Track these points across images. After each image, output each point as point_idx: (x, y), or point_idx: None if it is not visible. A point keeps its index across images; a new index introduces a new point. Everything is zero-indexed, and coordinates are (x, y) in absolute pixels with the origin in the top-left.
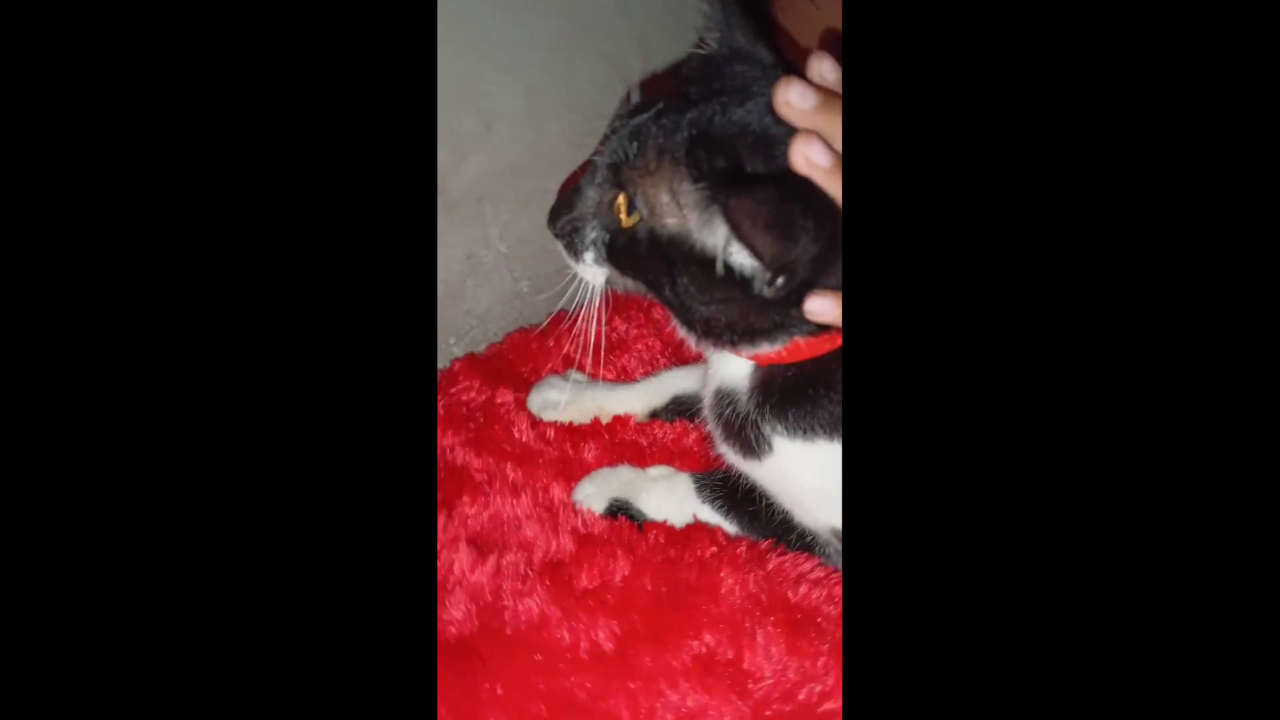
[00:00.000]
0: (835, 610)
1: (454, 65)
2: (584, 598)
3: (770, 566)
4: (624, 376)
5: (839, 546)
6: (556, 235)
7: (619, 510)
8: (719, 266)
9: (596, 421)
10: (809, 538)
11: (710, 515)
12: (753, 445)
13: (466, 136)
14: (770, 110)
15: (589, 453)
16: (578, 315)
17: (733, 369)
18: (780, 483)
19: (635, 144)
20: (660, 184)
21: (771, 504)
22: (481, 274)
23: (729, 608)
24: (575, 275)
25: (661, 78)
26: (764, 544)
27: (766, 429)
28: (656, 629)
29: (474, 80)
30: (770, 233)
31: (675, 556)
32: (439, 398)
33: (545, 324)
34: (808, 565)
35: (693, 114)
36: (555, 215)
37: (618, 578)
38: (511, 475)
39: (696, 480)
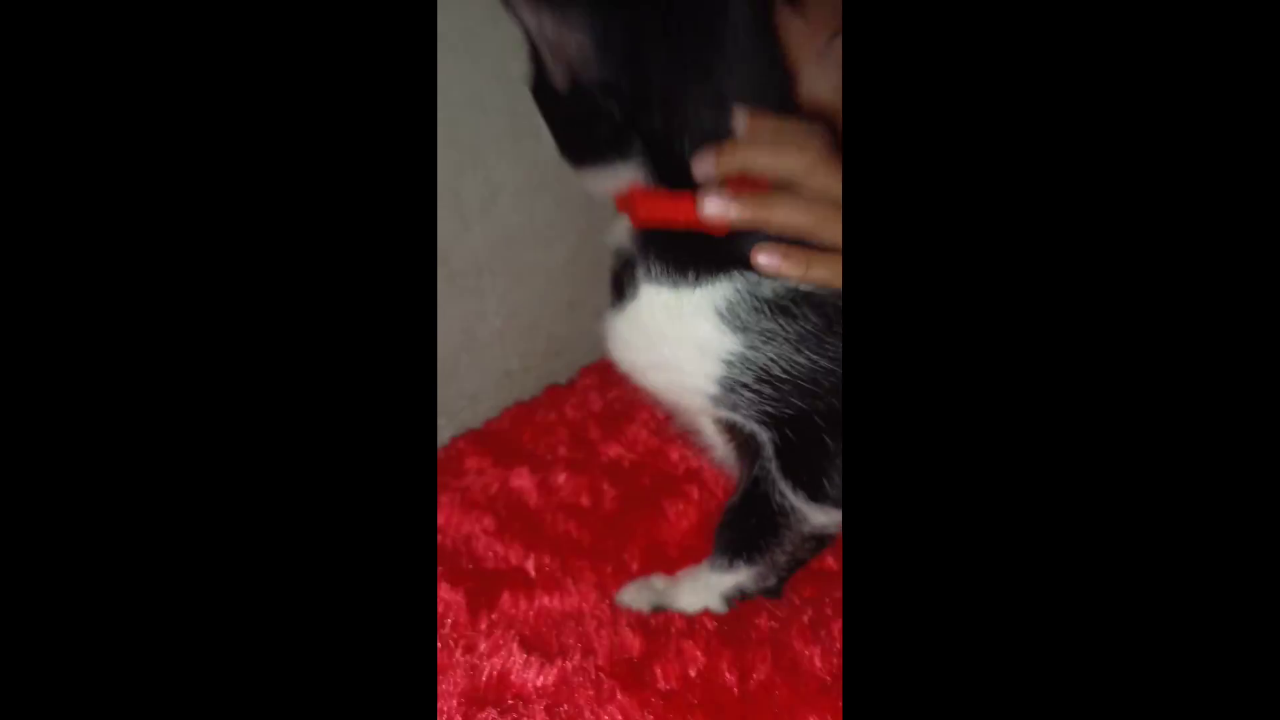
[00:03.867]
0: None
1: (464, 133)
2: (673, 699)
3: (839, 626)
4: (635, 447)
5: (726, 418)
6: None
7: (661, 610)
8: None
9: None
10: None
11: (729, 579)
12: (624, 291)
13: (473, 205)
14: None
15: (631, 547)
16: None
17: (623, 227)
18: (639, 337)
19: None
20: None
21: (762, 496)
22: (475, 350)
23: (818, 684)
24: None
25: None
26: (824, 596)
27: (640, 273)
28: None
29: (483, 148)
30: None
31: (740, 634)
32: (450, 481)
33: (543, 393)
34: None
35: None
36: None
37: (693, 672)
38: (550, 566)
39: (709, 560)
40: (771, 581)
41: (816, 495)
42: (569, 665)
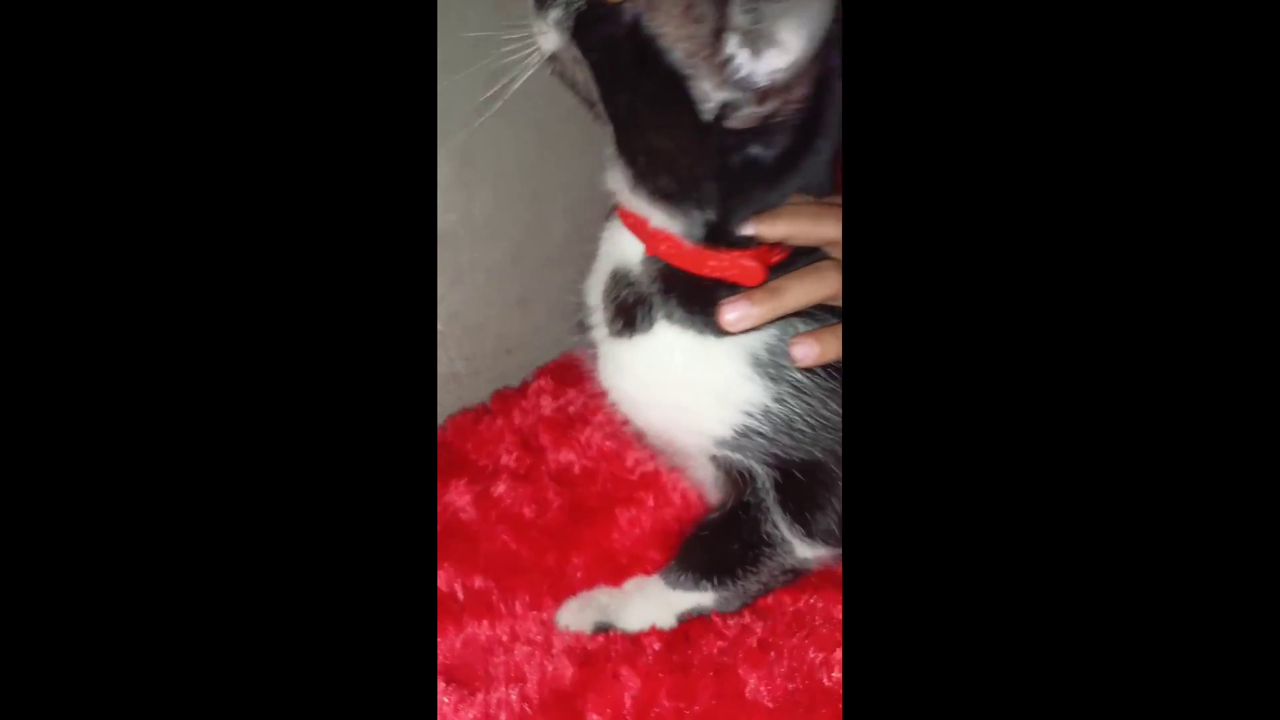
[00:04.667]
0: None
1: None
2: None
3: (790, 648)
4: (588, 452)
5: (724, 455)
6: None
7: (605, 629)
8: (699, 89)
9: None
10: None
11: (692, 598)
12: (636, 322)
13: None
14: None
15: (576, 559)
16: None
17: (629, 251)
18: (643, 374)
19: None
20: None
21: (724, 518)
22: None
23: (764, 712)
24: (528, 45)
25: None
26: (778, 625)
27: (657, 311)
28: None
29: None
30: (805, 29)
31: (682, 661)
32: None
33: (490, 401)
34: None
35: None
36: None
37: (628, 701)
38: (481, 587)
39: (665, 574)
40: (735, 607)
41: (811, 532)
42: (492, 698)
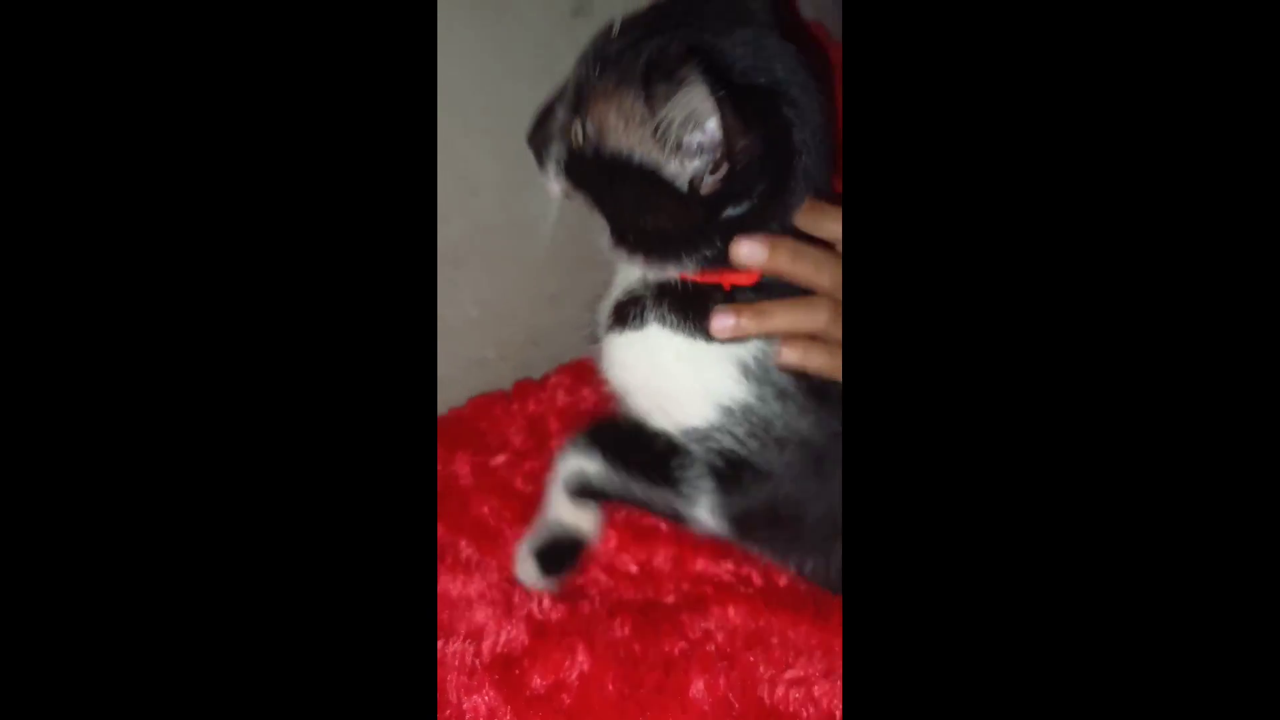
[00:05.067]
0: (814, 712)
1: (443, 130)
2: (537, 700)
3: (742, 662)
4: None
5: (693, 449)
6: (531, 148)
7: (553, 548)
8: (668, 173)
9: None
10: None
11: (579, 461)
12: (629, 319)
13: (451, 199)
14: (739, 44)
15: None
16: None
17: (635, 274)
18: (634, 364)
19: (599, 67)
20: (612, 105)
21: (642, 438)
22: (447, 338)
23: (697, 714)
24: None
25: (644, 14)
26: (739, 634)
27: (650, 313)
28: None
29: (459, 144)
30: (732, 115)
31: (640, 653)
32: None
33: (511, 388)
34: (789, 661)
35: (659, 41)
36: (533, 132)
37: (574, 676)
38: (465, 552)
39: (576, 440)
40: (614, 489)
41: (723, 513)
42: (450, 649)
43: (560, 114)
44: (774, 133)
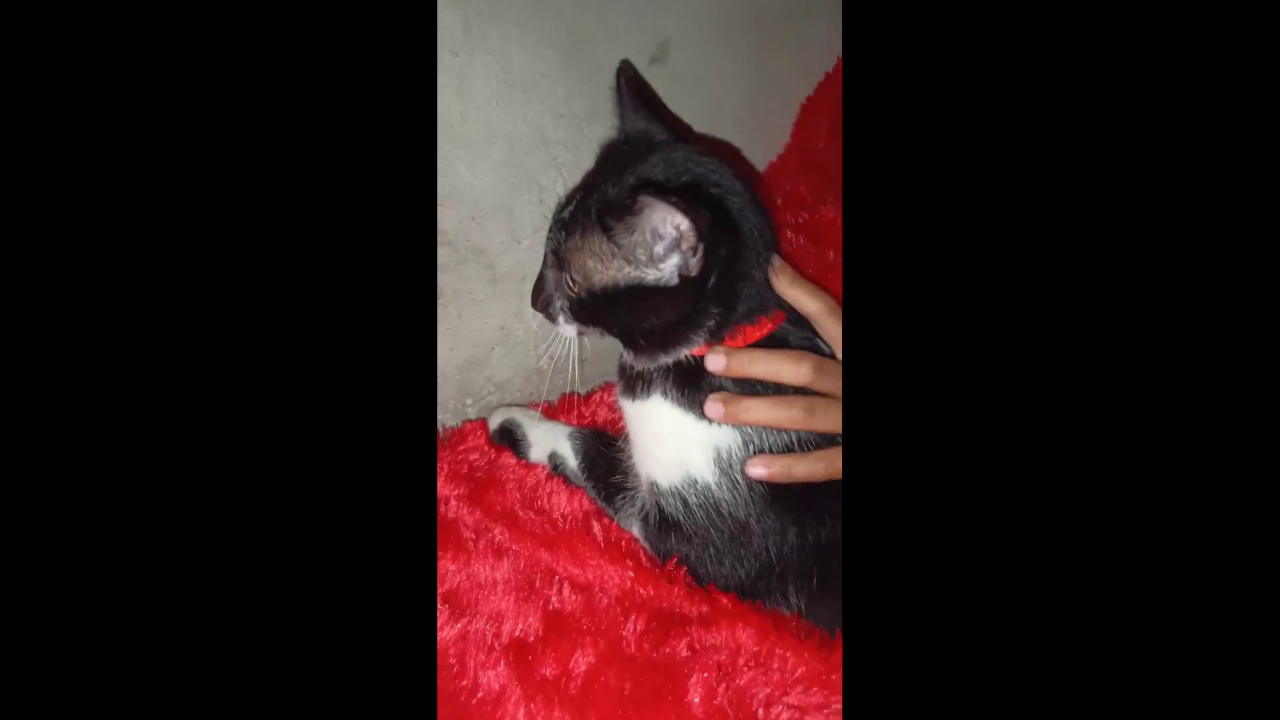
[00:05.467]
0: None
1: (525, 158)
2: (545, 684)
3: (743, 681)
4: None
5: (655, 500)
6: (539, 311)
7: (507, 432)
8: (650, 280)
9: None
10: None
11: (565, 445)
12: (636, 390)
13: (524, 222)
14: (656, 165)
15: (595, 530)
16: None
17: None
18: (639, 426)
19: (563, 231)
20: (585, 254)
21: (613, 465)
22: (509, 346)
23: (691, 719)
24: (558, 337)
25: (581, 182)
26: (740, 652)
27: (655, 387)
28: None
29: (539, 173)
30: (683, 205)
31: (646, 653)
32: (446, 454)
33: (558, 400)
34: (787, 687)
35: (597, 194)
36: (534, 297)
37: (581, 668)
38: (499, 538)
39: (571, 431)
40: (579, 484)
41: (642, 540)
42: (472, 627)
43: (550, 277)
44: (714, 205)
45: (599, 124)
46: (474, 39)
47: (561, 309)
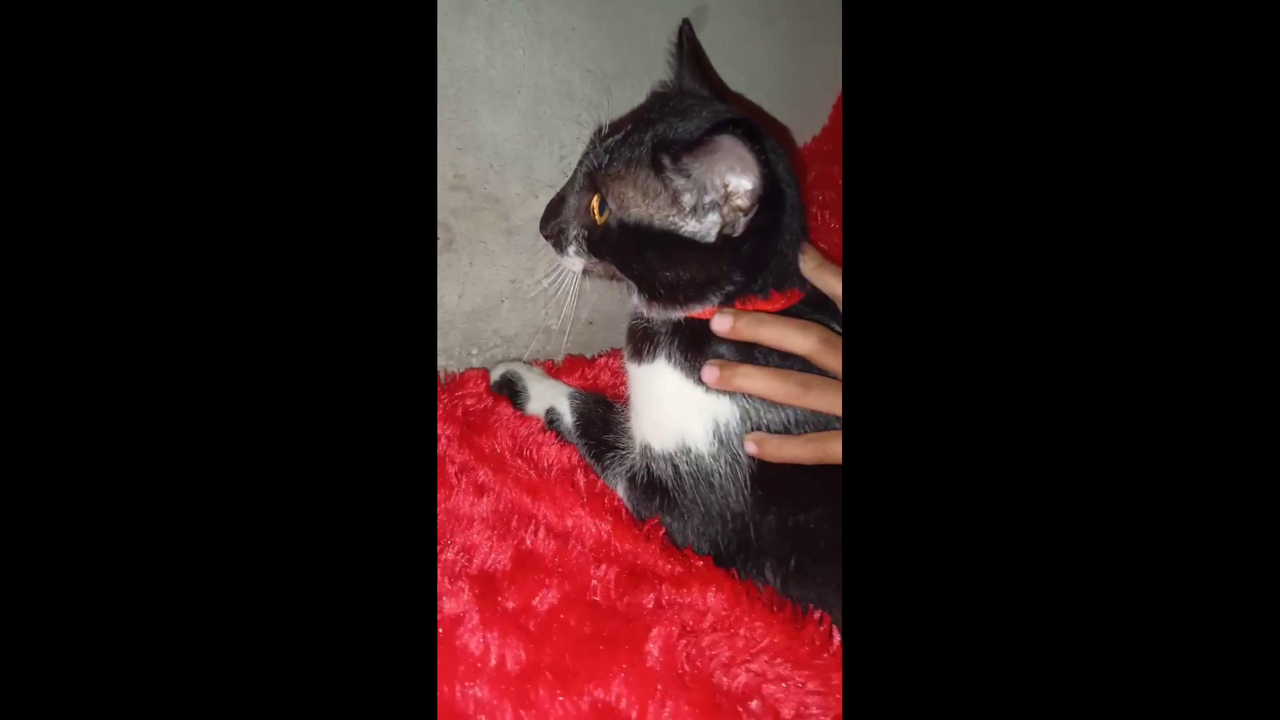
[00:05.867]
0: (760, 707)
1: (545, 111)
2: (504, 616)
3: (706, 641)
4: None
5: (646, 464)
6: (546, 237)
7: (508, 383)
8: (686, 231)
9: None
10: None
11: (564, 403)
12: (643, 353)
13: (543, 176)
14: (705, 121)
15: (580, 481)
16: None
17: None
18: (640, 389)
19: (608, 156)
20: (627, 183)
21: (608, 425)
22: (519, 300)
23: (645, 669)
24: (561, 271)
25: (625, 118)
26: (707, 615)
27: (661, 350)
28: (565, 668)
29: (560, 129)
30: (762, 157)
31: (612, 601)
32: (445, 397)
33: (562, 360)
34: (751, 654)
35: (652, 131)
36: (546, 220)
37: (544, 606)
38: (483, 478)
39: (572, 391)
40: (571, 440)
41: (626, 499)
42: (444, 556)
43: (573, 201)
44: (770, 175)
45: (627, 85)
46: None
47: (576, 238)
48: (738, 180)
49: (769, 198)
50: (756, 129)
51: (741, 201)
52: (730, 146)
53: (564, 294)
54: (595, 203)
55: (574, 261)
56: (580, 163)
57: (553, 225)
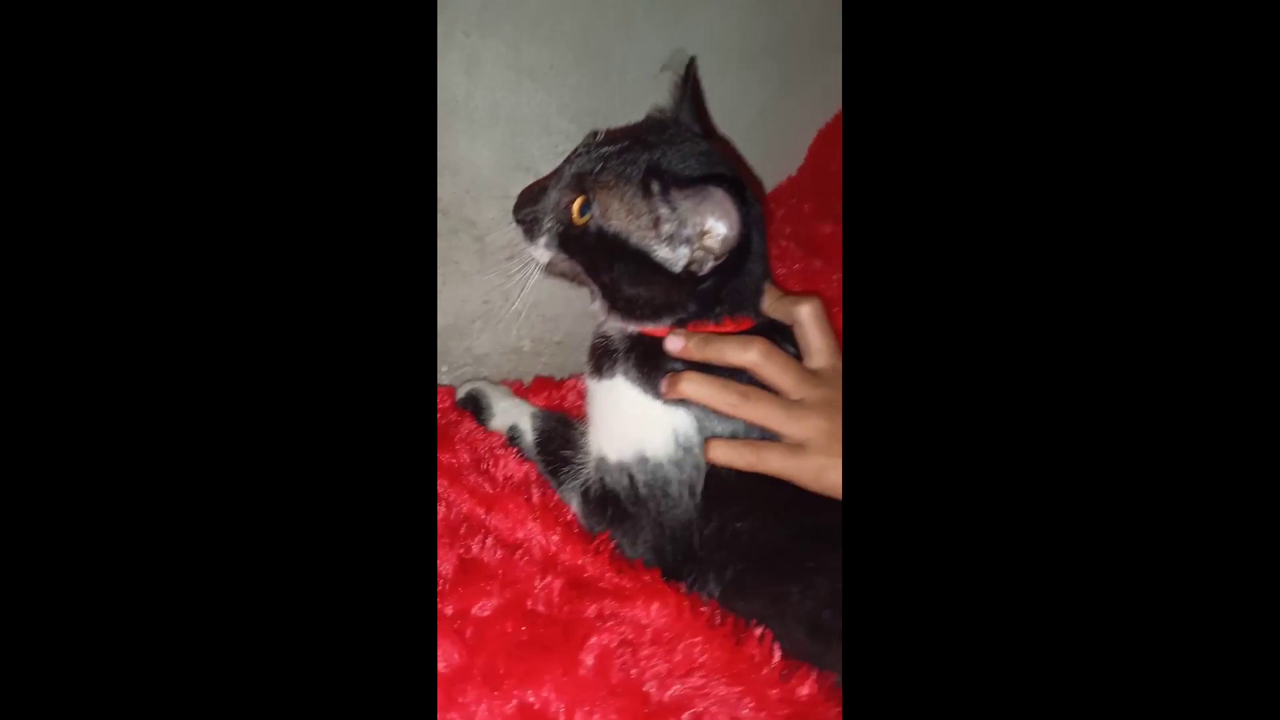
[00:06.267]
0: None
1: (514, 140)
2: (441, 620)
3: (643, 654)
4: None
5: (600, 476)
6: (519, 221)
7: (473, 399)
8: (658, 256)
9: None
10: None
11: (526, 421)
12: (603, 369)
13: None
14: (697, 160)
15: (534, 495)
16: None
17: (615, 326)
18: (598, 402)
19: (601, 164)
20: (615, 195)
21: (567, 441)
22: (491, 320)
23: (578, 678)
24: (528, 263)
25: (621, 131)
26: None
27: (619, 366)
28: (496, 672)
29: (532, 156)
30: (744, 215)
31: (554, 610)
32: None
33: (530, 382)
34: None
35: (647, 155)
36: (520, 206)
37: (483, 613)
38: (474, 480)
39: (536, 410)
40: (533, 457)
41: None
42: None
43: (554, 195)
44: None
45: (603, 121)
46: (488, 23)
47: (550, 230)
48: (716, 225)
49: (738, 249)
50: (744, 187)
51: (714, 244)
52: (720, 199)
53: (522, 281)
54: (578, 203)
55: (541, 252)
56: (569, 160)
57: (527, 212)
